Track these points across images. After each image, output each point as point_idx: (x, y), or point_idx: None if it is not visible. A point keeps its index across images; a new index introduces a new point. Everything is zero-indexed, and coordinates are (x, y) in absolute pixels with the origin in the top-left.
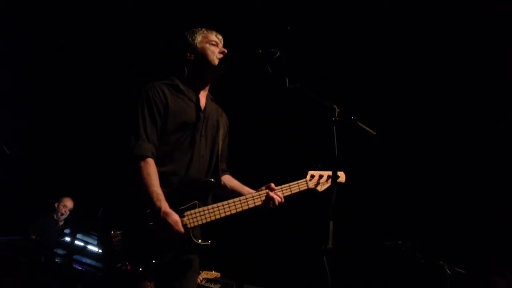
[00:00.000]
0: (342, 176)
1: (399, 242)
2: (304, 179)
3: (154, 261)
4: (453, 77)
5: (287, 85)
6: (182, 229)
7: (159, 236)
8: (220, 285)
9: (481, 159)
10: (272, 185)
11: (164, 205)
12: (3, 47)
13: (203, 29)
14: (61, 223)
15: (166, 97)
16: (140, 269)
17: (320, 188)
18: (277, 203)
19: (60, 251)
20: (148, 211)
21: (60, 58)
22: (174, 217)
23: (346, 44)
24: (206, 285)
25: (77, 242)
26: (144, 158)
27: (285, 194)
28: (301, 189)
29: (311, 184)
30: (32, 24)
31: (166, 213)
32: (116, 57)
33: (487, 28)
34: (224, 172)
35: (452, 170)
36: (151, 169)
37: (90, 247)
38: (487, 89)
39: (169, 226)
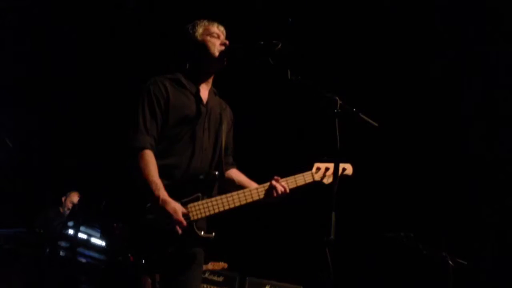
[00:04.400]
0: (349, 168)
1: (401, 234)
2: (310, 172)
3: (156, 254)
4: (455, 71)
5: (289, 77)
6: (181, 218)
7: (160, 226)
8: (223, 277)
9: (483, 150)
10: (277, 177)
11: (163, 194)
12: (8, 43)
13: (205, 21)
14: None
15: (168, 91)
16: (143, 261)
17: (326, 180)
18: (280, 192)
19: (63, 244)
20: (148, 205)
21: (66, 53)
22: (173, 205)
23: (348, 36)
24: (210, 277)
25: (80, 234)
26: (141, 149)
27: (290, 186)
28: (306, 181)
29: (317, 177)
30: (36, 20)
31: (164, 201)
32: (122, 52)
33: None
34: (231, 166)
35: (455, 160)
36: (149, 160)
37: (93, 239)
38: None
39: (168, 215)
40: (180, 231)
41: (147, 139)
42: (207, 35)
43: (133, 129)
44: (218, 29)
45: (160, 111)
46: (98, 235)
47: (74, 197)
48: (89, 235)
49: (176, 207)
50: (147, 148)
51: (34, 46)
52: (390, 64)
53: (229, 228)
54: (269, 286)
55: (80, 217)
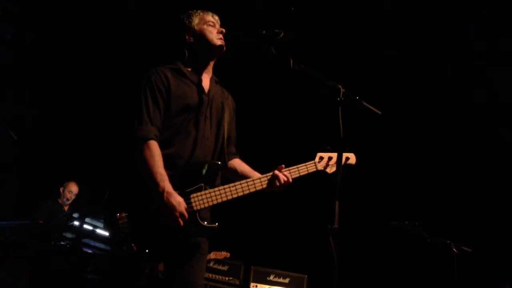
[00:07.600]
0: (352, 158)
1: (406, 222)
2: (313, 161)
3: (160, 244)
4: (460, 59)
5: (292, 66)
6: (184, 211)
7: (163, 218)
8: (228, 266)
9: (490, 138)
10: (280, 167)
11: (168, 186)
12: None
13: (199, 11)
14: (66, 208)
15: (169, 81)
16: (147, 251)
17: (329, 170)
18: (282, 181)
19: (69, 235)
20: (153, 193)
21: (66, 44)
22: (177, 198)
23: (350, 24)
24: (214, 266)
25: (86, 226)
26: (146, 140)
27: (293, 176)
28: (309, 171)
29: (320, 166)
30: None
31: (169, 193)
32: (122, 43)
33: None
34: (234, 156)
35: (460, 149)
36: (154, 151)
37: (99, 230)
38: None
39: (172, 207)
40: (182, 224)
41: (151, 129)
42: (204, 24)
43: (138, 120)
44: (213, 18)
45: (163, 101)
46: (103, 226)
47: (72, 187)
48: (95, 226)
49: (180, 200)
50: (152, 138)
51: (33, 36)
52: (394, 52)
53: (234, 217)
54: (273, 275)
55: (85, 209)
